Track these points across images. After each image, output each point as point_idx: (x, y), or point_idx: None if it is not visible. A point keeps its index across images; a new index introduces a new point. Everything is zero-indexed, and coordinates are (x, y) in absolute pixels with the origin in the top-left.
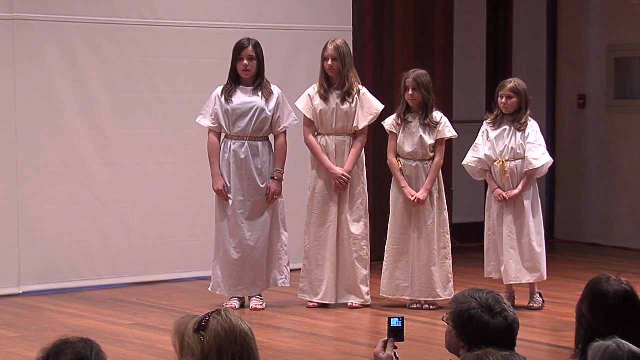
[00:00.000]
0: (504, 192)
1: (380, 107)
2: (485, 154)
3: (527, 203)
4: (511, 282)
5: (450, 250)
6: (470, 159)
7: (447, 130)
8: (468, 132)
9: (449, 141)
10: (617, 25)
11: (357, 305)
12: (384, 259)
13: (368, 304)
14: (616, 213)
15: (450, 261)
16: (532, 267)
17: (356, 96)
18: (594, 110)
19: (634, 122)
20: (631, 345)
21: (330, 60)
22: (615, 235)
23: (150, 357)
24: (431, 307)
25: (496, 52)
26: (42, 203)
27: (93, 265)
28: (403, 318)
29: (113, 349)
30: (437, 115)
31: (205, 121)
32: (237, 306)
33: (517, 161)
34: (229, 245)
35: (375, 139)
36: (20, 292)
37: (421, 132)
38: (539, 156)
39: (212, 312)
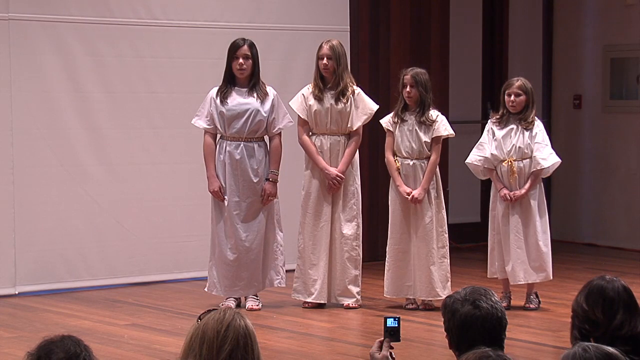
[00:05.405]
0: (510, 191)
1: (375, 107)
2: (491, 153)
3: (533, 203)
4: (519, 282)
5: (448, 250)
6: (475, 158)
7: (444, 129)
8: (464, 132)
9: (445, 142)
10: (612, 26)
11: (353, 305)
12: (386, 259)
13: (358, 303)
14: (612, 213)
15: (448, 260)
16: (538, 267)
17: (351, 96)
18: (590, 110)
19: (629, 123)
20: (600, 345)
21: (325, 59)
22: (611, 235)
23: (145, 358)
24: (428, 307)
25: (492, 53)
26: (38, 203)
27: (89, 265)
28: (399, 318)
29: (108, 349)
30: (434, 113)
31: (201, 122)
32: (233, 306)
33: (524, 161)
34: (224, 246)
35: (371, 139)
36: (16, 292)
37: (417, 130)
38: (547, 156)
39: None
